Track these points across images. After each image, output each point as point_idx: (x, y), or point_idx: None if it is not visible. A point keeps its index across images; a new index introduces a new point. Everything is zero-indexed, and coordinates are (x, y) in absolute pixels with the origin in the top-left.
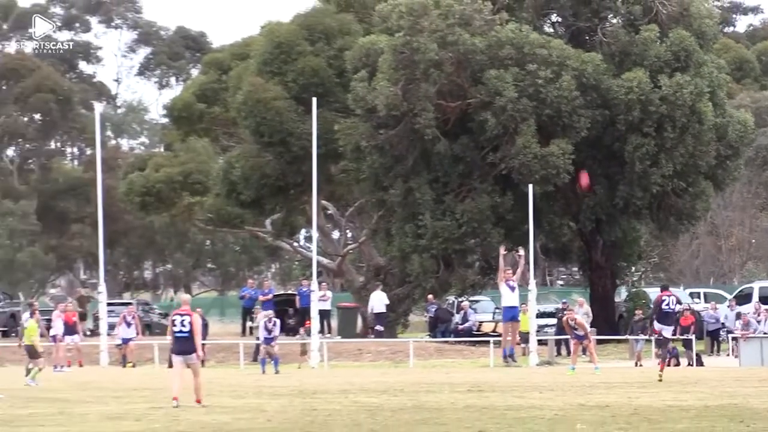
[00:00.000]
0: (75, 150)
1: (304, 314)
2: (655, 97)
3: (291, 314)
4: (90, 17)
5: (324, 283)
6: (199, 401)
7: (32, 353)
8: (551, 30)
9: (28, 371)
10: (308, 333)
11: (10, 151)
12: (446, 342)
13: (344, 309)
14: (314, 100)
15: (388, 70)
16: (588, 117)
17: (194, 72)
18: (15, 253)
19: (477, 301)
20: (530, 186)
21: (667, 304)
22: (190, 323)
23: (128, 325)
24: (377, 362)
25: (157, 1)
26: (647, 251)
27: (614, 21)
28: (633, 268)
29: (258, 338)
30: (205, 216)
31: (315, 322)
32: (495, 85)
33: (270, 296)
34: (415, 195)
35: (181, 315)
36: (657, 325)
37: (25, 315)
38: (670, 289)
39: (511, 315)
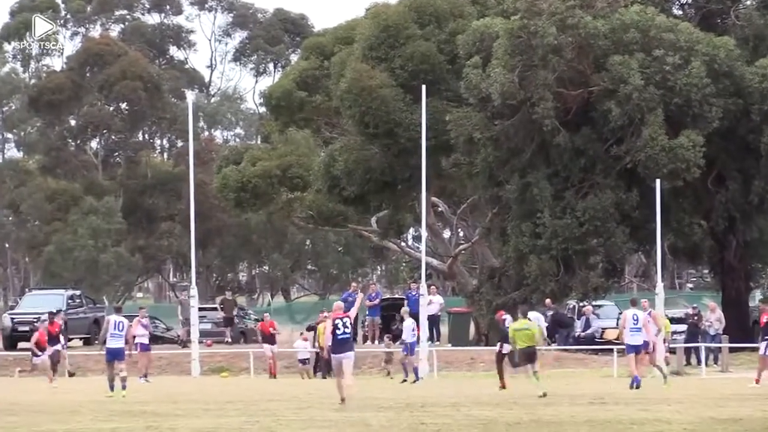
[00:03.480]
0: (164, 142)
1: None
2: None
3: (398, 320)
4: None
5: (433, 287)
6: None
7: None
8: (680, 12)
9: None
10: (398, 341)
11: (94, 144)
12: (566, 350)
13: (456, 314)
14: (423, 88)
15: (503, 55)
16: (720, 106)
17: (294, 58)
18: (99, 253)
19: (600, 306)
20: (657, 181)
21: (507, 322)
22: (351, 325)
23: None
24: (491, 371)
25: None
26: None
27: (748, 2)
28: None
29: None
30: (305, 213)
31: (424, 329)
32: (619, 72)
33: (376, 301)
34: (532, 191)
35: (341, 318)
36: (506, 347)
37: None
38: None
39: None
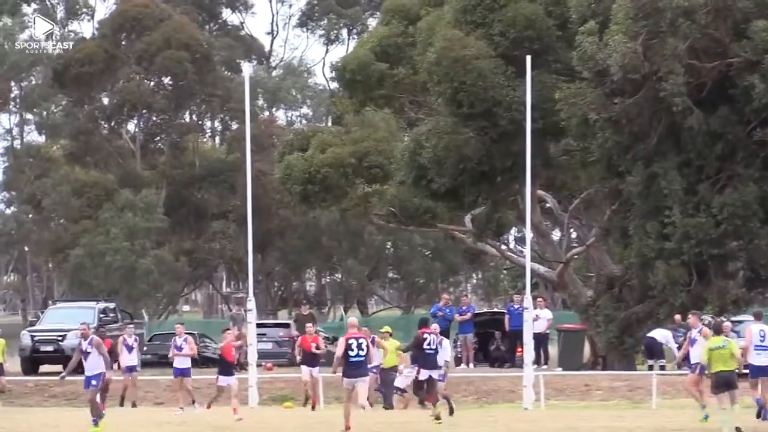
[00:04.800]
0: (216, 124)
1: (514, 338)
2: None
3: (498, 339)
4: None
5: (541, 299)
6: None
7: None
8: None
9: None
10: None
11: (132, 126)
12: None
13: (567, 332)
14: (528, 59)
15: (624, 20)
16: None
17: (372, 22)
18: (136, 258)
19: (741, 322)
20: None
21: (429, 344)
22: (367, 346)
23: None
24: (610, 401)
25: None
26: None
27: None
28: None
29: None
30: (386, 210)
31: (529, 350)
32: (763, 40)
33: (469, 315)
34: (659, 183)
35: (356, 338)
36: (423, 373)
37: None
38: None
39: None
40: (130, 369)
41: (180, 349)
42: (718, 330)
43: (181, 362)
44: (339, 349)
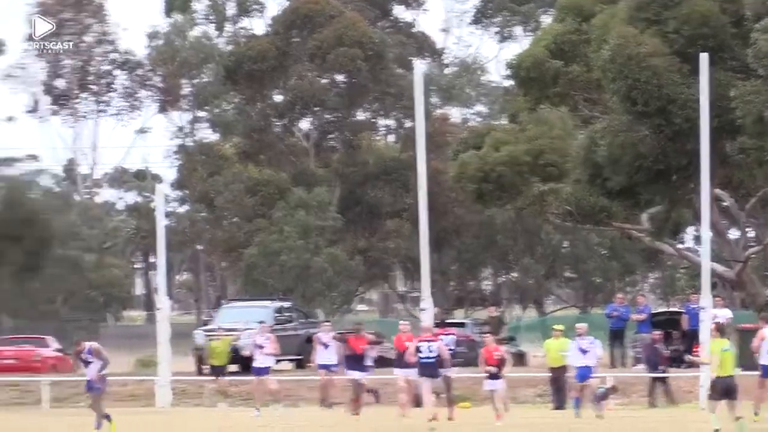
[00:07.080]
0: (389, 122)
1: (692, 338)
2: None
3: (676, 338)
4: None
5: (719, 298)
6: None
7: None
8: None
9: None
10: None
11: (305, 124)
12: None
13: (746, 331)
14: (704, 56)
15: None
16: None
17: (546, 19)
18: (311, 257)
19: None
20: None
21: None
22: (438, 348)
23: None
24: None
25: None
26: None
27: None
28: None
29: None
30: (562, 209)
31: (706, 349)
32: None
33: (645, 315)
34: None
35: (428, 341)
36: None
37: None
38: None
39: None
40: (326, 367)
41: (261, 347)
42: (723, 331)
43: (262, 361)
44: (410, 351)
